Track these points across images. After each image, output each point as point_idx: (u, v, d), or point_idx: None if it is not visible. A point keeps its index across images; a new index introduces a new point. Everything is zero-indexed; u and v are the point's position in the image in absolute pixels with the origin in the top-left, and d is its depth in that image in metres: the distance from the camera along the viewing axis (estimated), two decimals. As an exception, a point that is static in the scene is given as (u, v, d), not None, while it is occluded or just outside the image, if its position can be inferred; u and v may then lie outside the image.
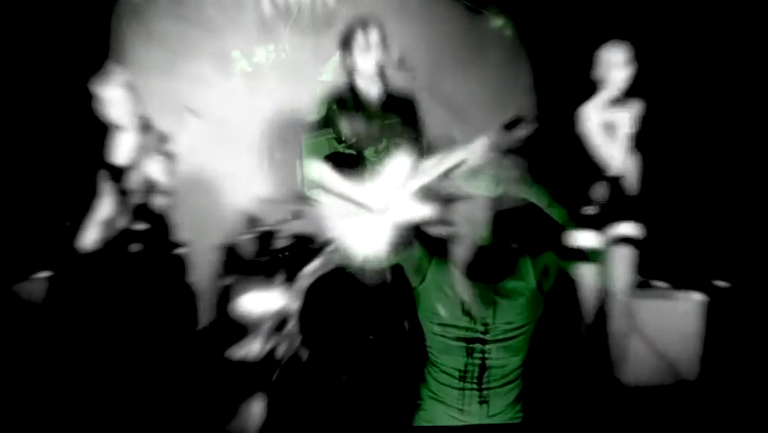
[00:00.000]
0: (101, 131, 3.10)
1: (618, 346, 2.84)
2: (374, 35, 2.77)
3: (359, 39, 2.76)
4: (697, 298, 3.12)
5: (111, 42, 3.68)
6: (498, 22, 4.16)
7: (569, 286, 2.29)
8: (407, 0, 4.01)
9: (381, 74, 2.83)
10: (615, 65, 2.79)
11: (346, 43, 2.80)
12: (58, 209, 3.14)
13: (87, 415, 2.68)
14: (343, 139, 2.81)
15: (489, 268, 2.03)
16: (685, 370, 3.02)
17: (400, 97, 2.89)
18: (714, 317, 3.10)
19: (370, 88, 2.82)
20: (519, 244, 2.06)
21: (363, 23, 2.78)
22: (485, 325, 1.99)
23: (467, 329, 1.99)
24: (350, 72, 2.83)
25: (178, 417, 2.71)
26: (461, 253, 2.04)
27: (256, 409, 2.73)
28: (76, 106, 3.41)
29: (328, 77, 3.78)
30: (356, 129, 2.80)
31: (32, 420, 2.64)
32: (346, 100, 2.82)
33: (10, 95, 3.35)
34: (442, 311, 2.02)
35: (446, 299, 2.02)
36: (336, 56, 2.80)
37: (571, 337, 2.99)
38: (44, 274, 3.07)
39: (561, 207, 2.05)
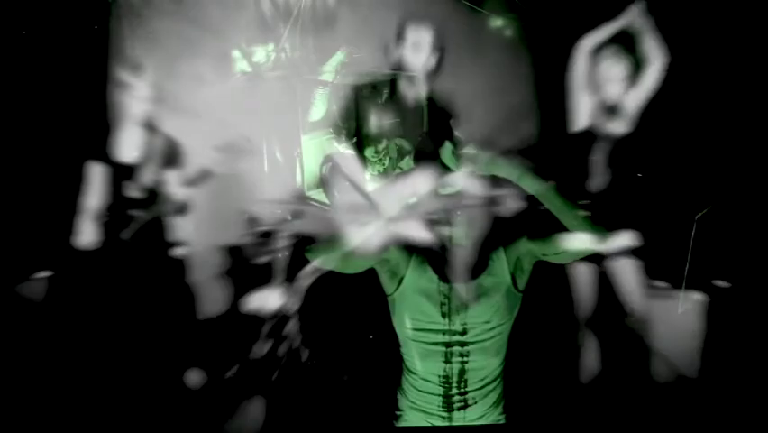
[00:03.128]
0: (102, 131, 3.11)
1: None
2: (427, 36, 2.72)
3: (410, 36, 2.72)
4: (697, 298, 3.13)
5: (111, 42, 3.68)
6: (497, 19, 4.16)
7: (546, 285, 2.21)
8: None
9: (426, 76, 2.78)
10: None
11: (399, 37, 2.76)
12: (58, 208, 3.14)
13: (87, 415, 2.68)
14: (346, 133, 2.75)
15: (464, 266, 1.96)
16: (685, 370, 3.02)
17: (440, 105, 2.84)
18: (714, 317, 3.10)
19: (410, 87, 2.76)
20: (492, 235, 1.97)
21: (417, 22, 2.75)
22: (463, 325, 1.94)
23: (444, 332, 1.94)
24: (396, 67, 2.79)
25: (179, 417, 2.71)
26: (439, 252, 1.96)
27: (256, 409, 2.73)
28: (76, 106, 3.42)
29: (328, 76, 3.77)
30: (379, 122, 2.73)
31: (32, 420, 2.65)
32: (383, 91, 2.76)
33: (9, 95, 3.35)
34: (420, 315, 1.96)
35: (424, 303, 1.96)
36: (337, 55, 2.77)
37: (552, 336, 2.98)
38: (44, 274, 3.07)
39: (537, 178, 1.90)
